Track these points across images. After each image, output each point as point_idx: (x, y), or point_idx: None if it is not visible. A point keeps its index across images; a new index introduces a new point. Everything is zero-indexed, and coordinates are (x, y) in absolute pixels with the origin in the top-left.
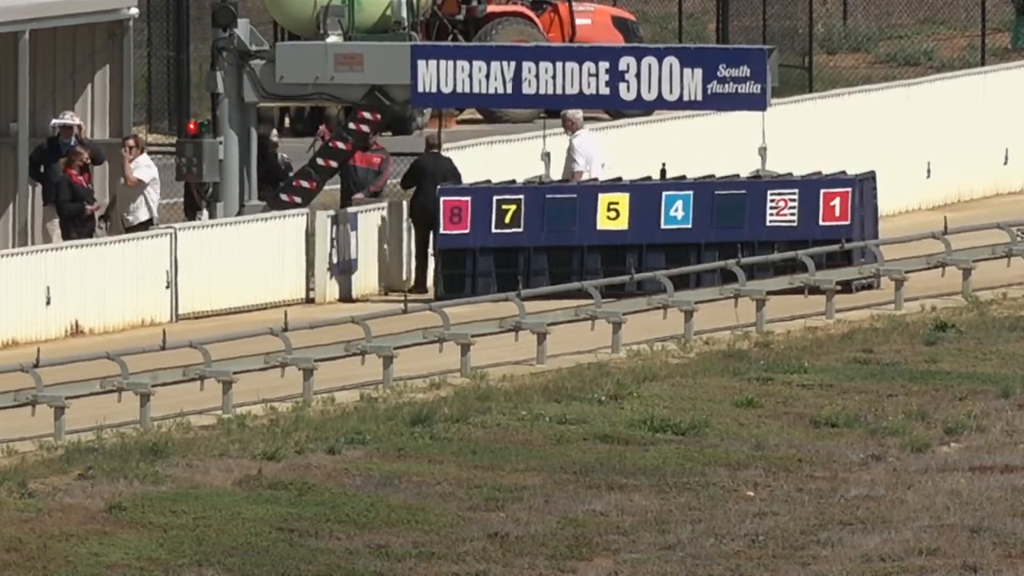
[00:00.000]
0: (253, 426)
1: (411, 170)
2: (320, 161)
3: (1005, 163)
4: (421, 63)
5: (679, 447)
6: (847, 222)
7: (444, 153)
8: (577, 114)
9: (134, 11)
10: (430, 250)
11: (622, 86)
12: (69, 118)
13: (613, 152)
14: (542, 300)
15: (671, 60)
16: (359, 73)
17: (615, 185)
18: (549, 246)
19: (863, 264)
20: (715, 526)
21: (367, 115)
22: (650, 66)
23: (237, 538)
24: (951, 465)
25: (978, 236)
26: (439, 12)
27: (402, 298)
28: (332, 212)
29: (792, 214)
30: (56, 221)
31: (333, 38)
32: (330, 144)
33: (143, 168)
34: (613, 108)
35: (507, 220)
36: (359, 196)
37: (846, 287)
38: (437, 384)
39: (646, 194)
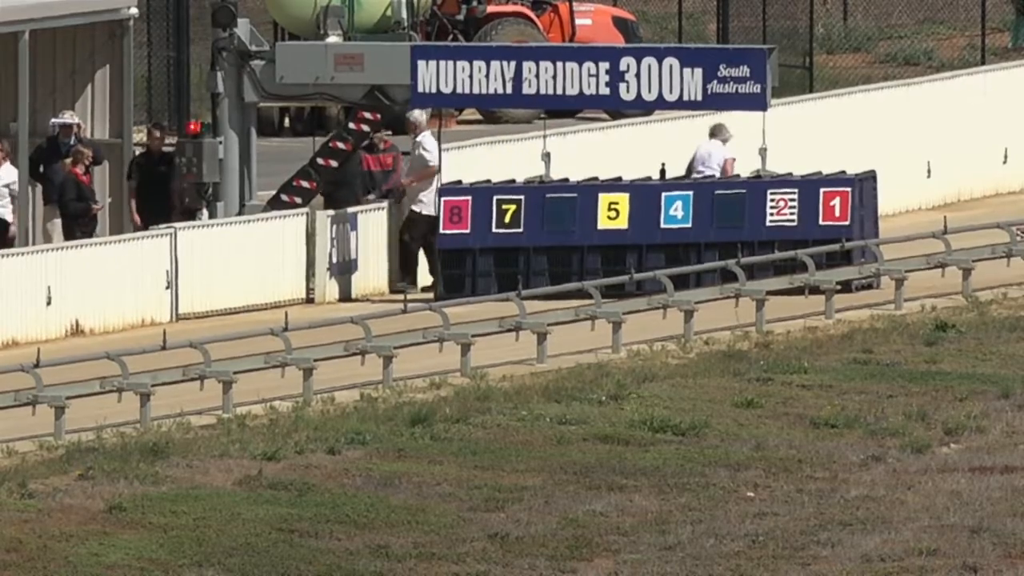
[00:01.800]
0: (253, 426)
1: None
2: (320, 161)
3: (1005, 163)
4: (421, 63)
5: (679, 447)
6: (847, 222)
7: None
8: (421, 116)
9: (134, 11)
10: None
11: (622, 86)
12: (69, 117)
13: (613, 152)
14: (542, 300)
15: (671, 60)
16: (359, 73)
17: (615, 185)
18: (549, 246)
19: (863, 264)
20: (715, 526)
21: (367, 115)
22: (650, 66)
23: (237, 538)
24: (951, 466)
25: (978, 236)
26: (439, 12)
27: (402, 298)
28: (332, 212)
29: (792, 214)
30: (57, 221)
31: (333, 38)
32: (330, 144)
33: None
34: (613, 108)
35: (507, 220)
36: (371, 197)
37: (846, 287)
38: (437, 384)
39: (646, 194)
